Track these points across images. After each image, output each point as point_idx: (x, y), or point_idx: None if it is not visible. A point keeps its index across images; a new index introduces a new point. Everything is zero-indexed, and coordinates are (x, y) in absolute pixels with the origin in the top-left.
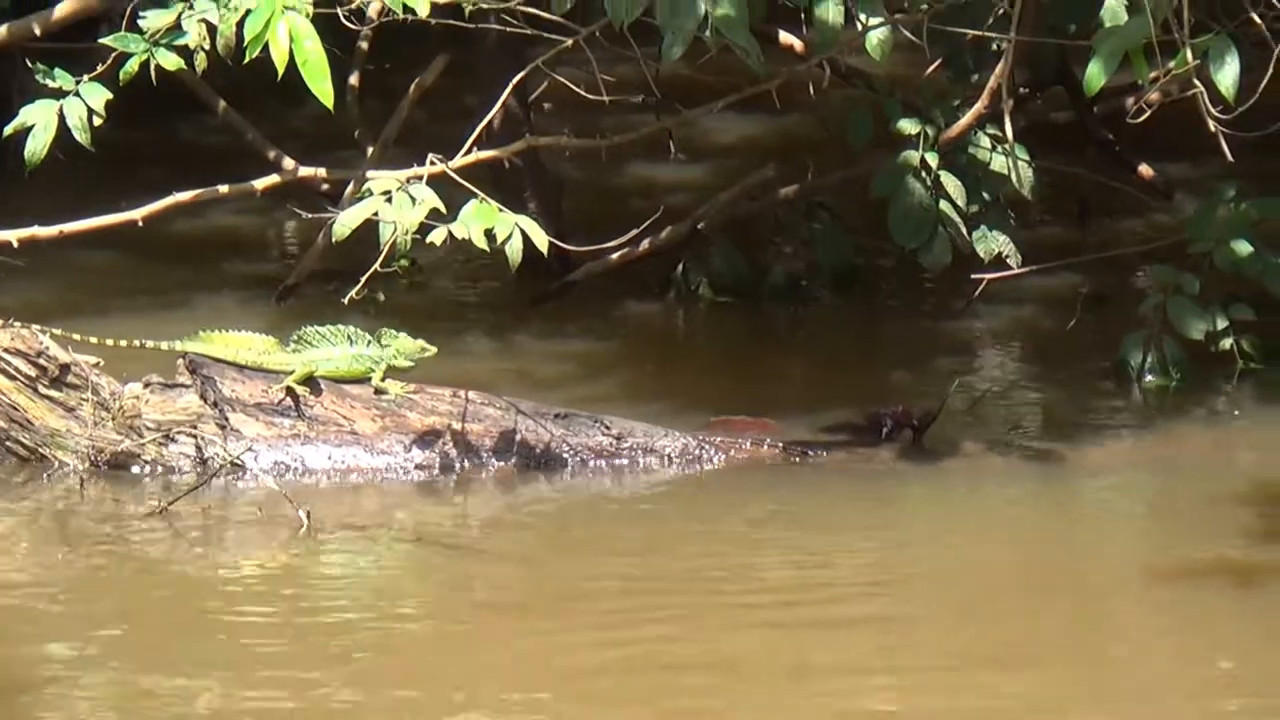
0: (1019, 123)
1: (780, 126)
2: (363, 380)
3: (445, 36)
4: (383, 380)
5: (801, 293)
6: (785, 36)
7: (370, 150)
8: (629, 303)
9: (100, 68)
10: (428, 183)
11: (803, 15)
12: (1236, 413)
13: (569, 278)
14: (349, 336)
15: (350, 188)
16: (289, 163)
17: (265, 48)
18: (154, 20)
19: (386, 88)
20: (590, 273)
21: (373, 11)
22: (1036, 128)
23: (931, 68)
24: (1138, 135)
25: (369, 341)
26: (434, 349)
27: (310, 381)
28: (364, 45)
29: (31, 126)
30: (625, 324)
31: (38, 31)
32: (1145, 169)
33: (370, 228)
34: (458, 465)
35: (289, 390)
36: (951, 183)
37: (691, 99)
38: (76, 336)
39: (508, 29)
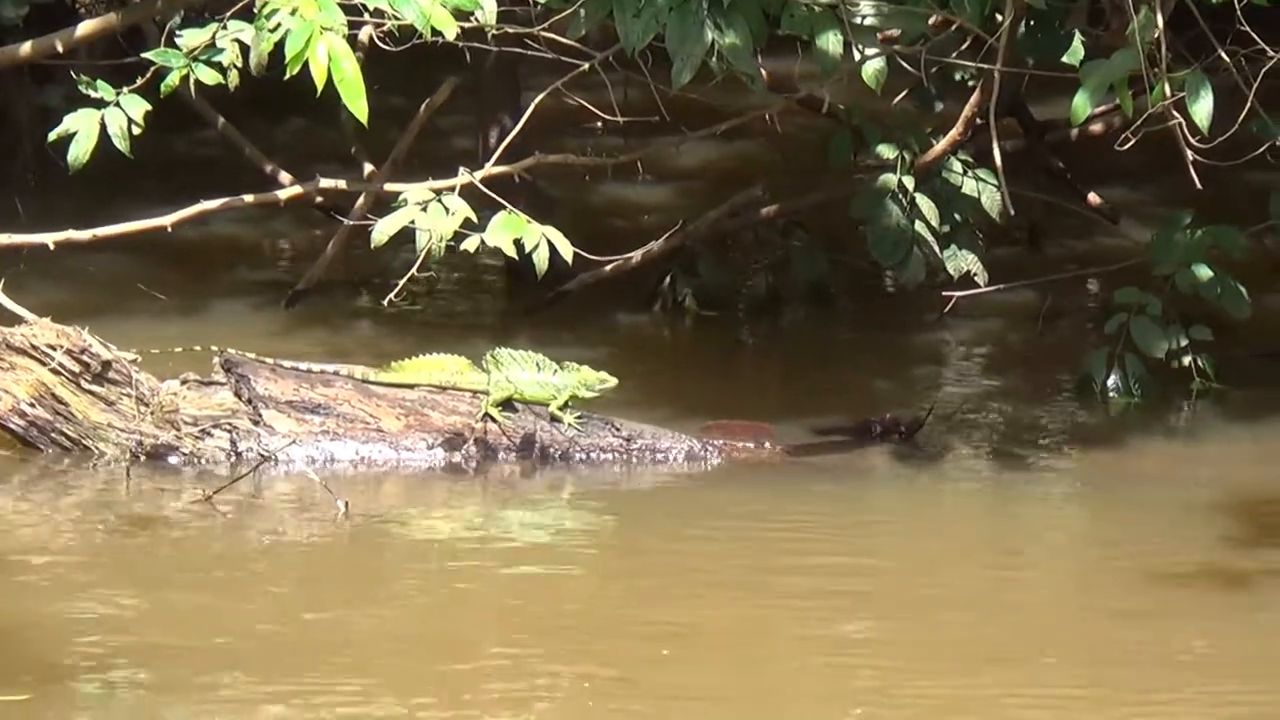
0: (971, 150)
1: (735, 151)
2: (544, 404)
3: (428, 59)
4: (561, 409)
5: (779, 306)
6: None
7: (367, 165)
8: (618, 313)
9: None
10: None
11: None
12: (1193, 427)
13: (563, 288)
14: (537, 364)
15: (361, 200)
16: (285, 176)
17: (304, 66)
18: (191, 38)
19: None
20: (584, 284)
21: (363, 37)
22: (988, 154)
23: (898, 98)
24: (1081, 164)
25: (554, 370)
26: (615, 380)
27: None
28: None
29: (73, 134)
30: (616, 333)
31: (60, 49)
32: (1093, 196)
33: (365, 240)
34: (478, 461)
35: (488, 415)
36: (926, 205)
37: (666, 123)
38: (253, 355)
39: (527, 52)
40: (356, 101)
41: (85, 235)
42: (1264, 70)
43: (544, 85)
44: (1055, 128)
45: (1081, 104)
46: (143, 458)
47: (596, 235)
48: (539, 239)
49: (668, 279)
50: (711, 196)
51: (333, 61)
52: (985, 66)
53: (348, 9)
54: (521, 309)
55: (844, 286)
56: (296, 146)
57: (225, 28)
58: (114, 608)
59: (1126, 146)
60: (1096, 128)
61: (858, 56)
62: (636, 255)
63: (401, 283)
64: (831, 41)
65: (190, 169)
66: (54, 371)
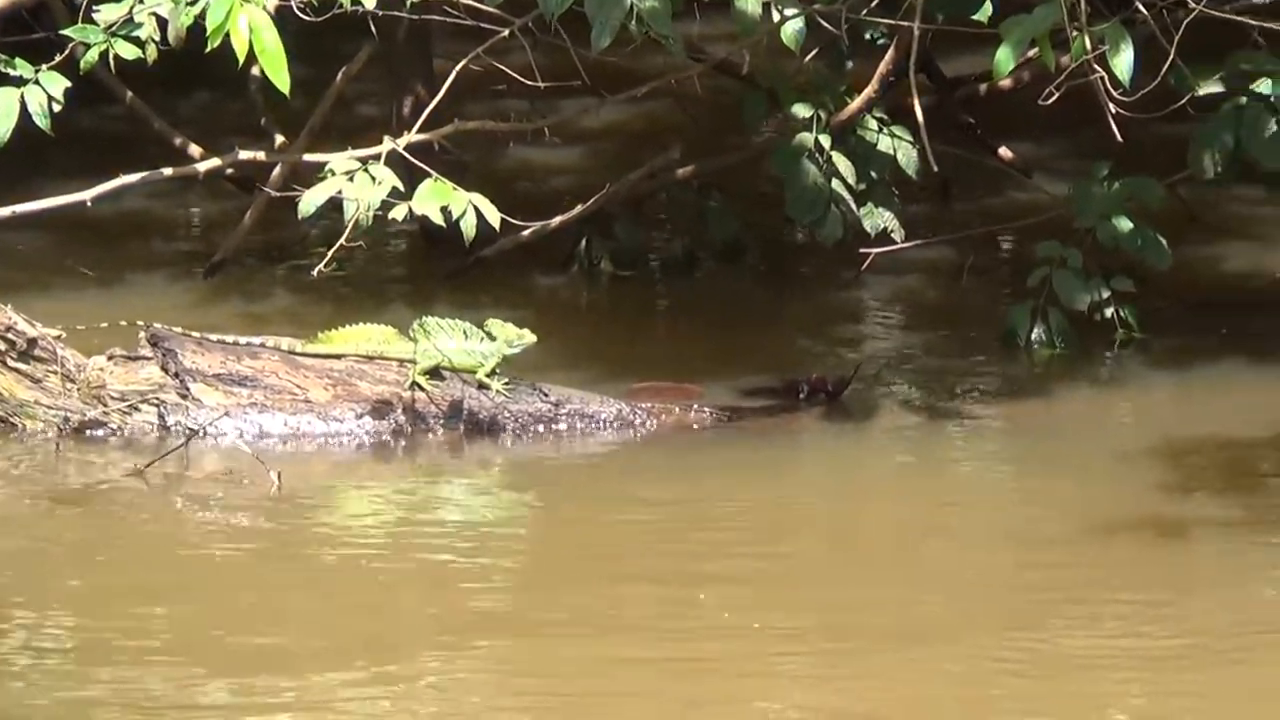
0: (884, 107)
1: (644, 112)
2: (471, 372)
3: (331, 27)
4: (489, 375)
5: (695, 266)
6: None
7: (278, 136)
8: (535, 276)
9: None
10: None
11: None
12: (1118, 377)
13: (482, 253)
14: (464, 331)
15: (278, 170)
16: (195, 149)
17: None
18: (109, 13)
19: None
20: (502, 249)
21: (270, 5)
22: (899, 111)
23: (809, 57)
24: (990, 118)
25: (481, 338)
26: (533, 336)
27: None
28: None
29: None
30: (534, 296)
31: None
32: (1005, 151)
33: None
34: (407, 430)
35: (415, 384)
36: (843, 163)
37: (576, 87)
38: (179, 329)
39: (444, 19)
40: (279, 73)
41: (5, 212)
42: (1184, 22)
43: (452, 51)
44: (964, 83)
45: (1004, 58)
46: (69, 433)
47: (506, 199)
48: (466, 206)
49: (583, 241)
50: (621, 159)
51: (254, 33)
52: (905, 24)
53: None
54: (439, 274)
55: (760, 246)
56: (203, 119)
57: (142, 2)
58: (43, 581)
59: (1048, 101)
60: (1006, 82)
61: (776, 17)
62: (557, 220)
63: (330, 253)
64: (751, 3)
65: (98, 144)
66: None
